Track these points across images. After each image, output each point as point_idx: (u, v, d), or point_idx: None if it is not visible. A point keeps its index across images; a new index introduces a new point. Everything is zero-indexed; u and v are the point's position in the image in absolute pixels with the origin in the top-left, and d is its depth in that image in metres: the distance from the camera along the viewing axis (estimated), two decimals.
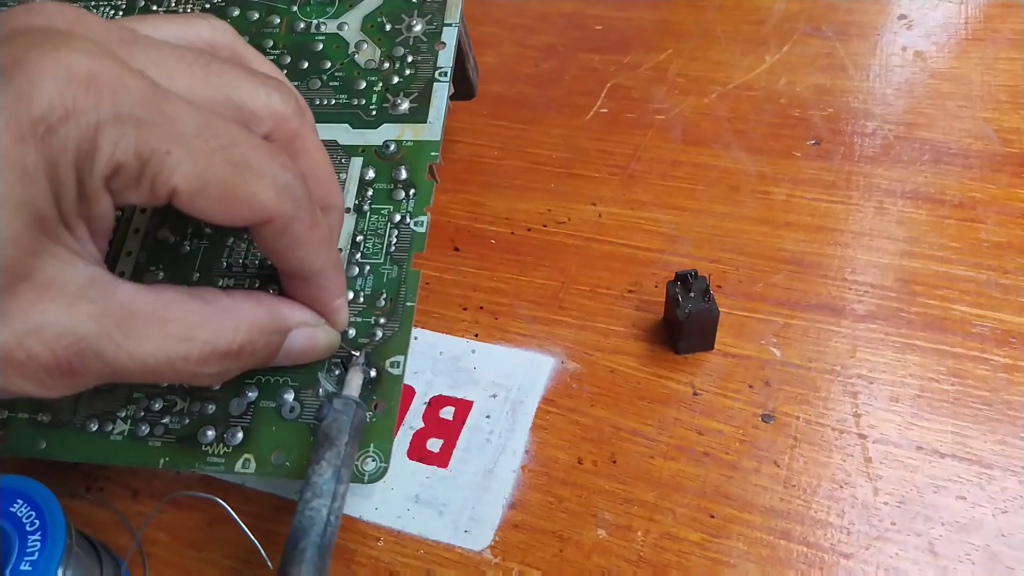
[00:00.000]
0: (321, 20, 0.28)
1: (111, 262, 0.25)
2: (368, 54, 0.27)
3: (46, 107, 0.16)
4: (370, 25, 0.27)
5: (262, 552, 0.24)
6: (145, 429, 0.23)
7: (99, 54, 0.17)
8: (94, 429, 0.23)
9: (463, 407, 0.28)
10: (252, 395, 0.23)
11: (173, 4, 0.29)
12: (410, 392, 0.28)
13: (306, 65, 0.27)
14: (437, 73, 0.26)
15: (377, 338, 0.23)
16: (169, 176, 0.17)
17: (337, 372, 0.23)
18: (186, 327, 0.19)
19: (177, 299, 0.19)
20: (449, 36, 0.27)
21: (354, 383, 0.22)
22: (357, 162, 0.25)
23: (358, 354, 0.23)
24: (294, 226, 0.20)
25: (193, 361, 0.19)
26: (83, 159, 0.16)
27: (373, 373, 0.23)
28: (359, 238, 0.25)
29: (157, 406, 0.23)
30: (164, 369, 0.18)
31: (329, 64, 0.27)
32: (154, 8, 0.29)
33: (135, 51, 0.18)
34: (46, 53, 0.16)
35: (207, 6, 0.29)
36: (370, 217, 0.25)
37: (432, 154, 0.25)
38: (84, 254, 0.18)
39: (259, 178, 0.18)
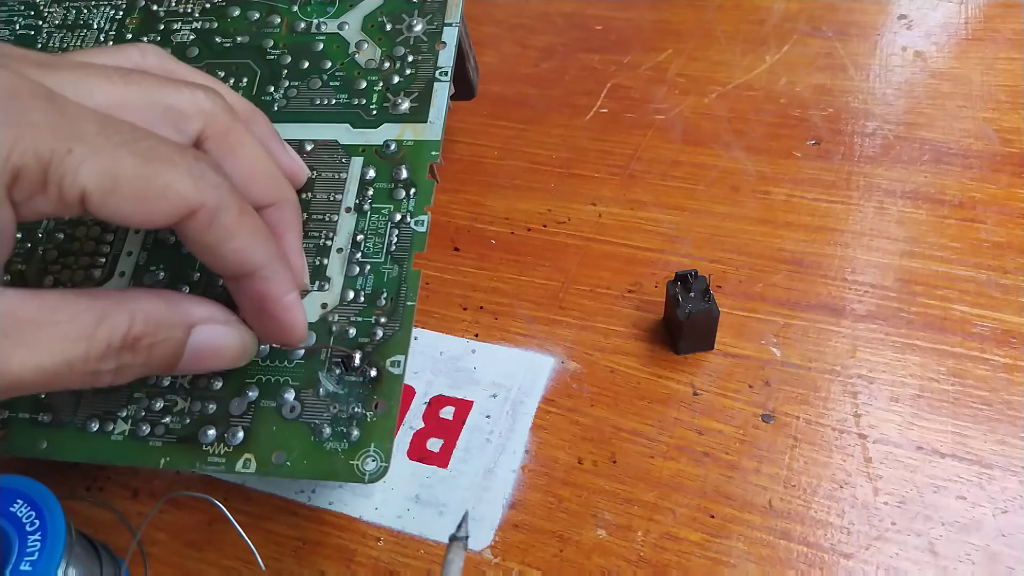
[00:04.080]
0: (322, 20, 0.28)
1: (111, 262, 0.25)
2: (368, 54, 0.27)
3: None
4: (371, 25, 0.27)
5: (255, 554, 0.24)
6: (146, 429, 0.23)
7: None
8: (95, 429, 0.23)
9: (463, 407, 0.28)
10: (252, 395, 0.23)
11: (174, 4, 0.29)
12: (410, 392, 0.28)
13: (306, 65, 0.27)
14: (437, 73, 0.26)
15: (377, 337, 0.23)
16: (75, 177, 0.16)
17: (338, 372, 0.23)
18: (78, 326, 0.18)
19: (65, 299, 0.18)
20: (449, 36, 0.27)
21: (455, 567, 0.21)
22: (358, 161, 0.25)
23: (463, 525, 0.20)
24: (221, 216, 0.19)
25: (92, 359, 0.18)
26: None
27: (373, 373, 0.23)
28: (360, 237, 0.24)
29: (158, 406, 0.23)
30: (64, 372, 0.17)
31: (330, 64, 0.27)
32: (154, 8, 0.29)
33: (48, 72, 0.18)
34: None
35: (207, 6, 0.29)
36: (371, 216, 0.25)
37: (432, 154, 0.25)
38: None
39: (172, 168, 0.18)
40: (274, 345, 0.23)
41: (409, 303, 0.24)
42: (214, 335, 0.20)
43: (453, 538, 0.20)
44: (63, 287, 0.19)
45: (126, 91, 0.19)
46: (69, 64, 0.19)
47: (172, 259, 0.25)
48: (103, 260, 0.25)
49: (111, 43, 0.29)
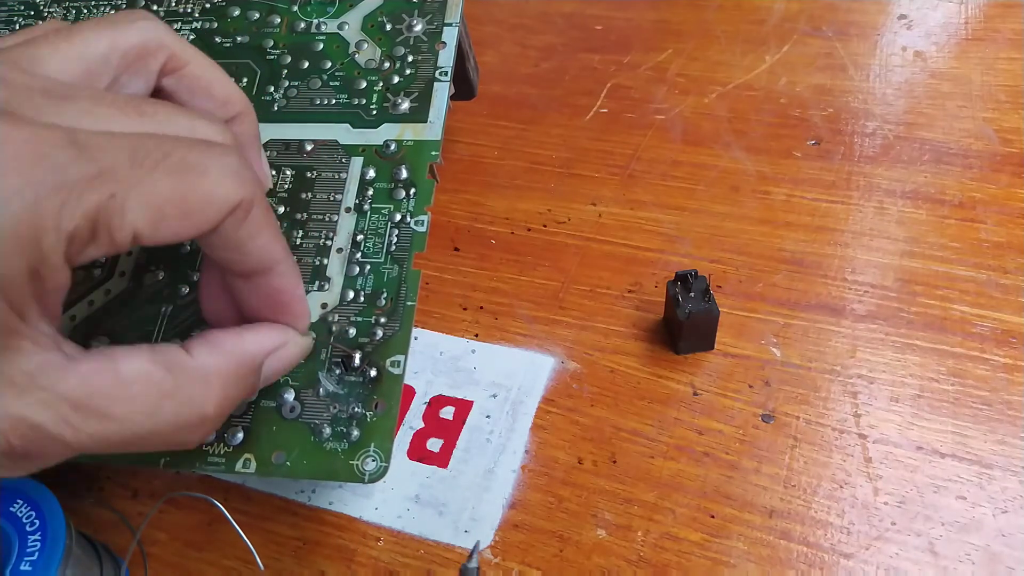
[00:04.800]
0: (321, 20, 0.28)
1: (111, 262, 0.25)
2: (368, 54, 0.27)
3: None
4: (370, 25, 0.27)
5: (254, 554, 0.24)
6: None
7: (10, 124, 0.15)
8: None
9: (463, 407, 0.28)
10: (252, 395, 0.23)
11: (174, 4, 0.29)
12: (410, 392, 0.28)
13: (306, 65, 0.27)
14: (437, 73, 0.26)
15: (377, 337, 0.23)
16: (122, 220, 0.16)
17: (338, 372, 0.23)
18: (150, 402, 0.18)
19: (141, 371, 0.18)
20: (449, 36, 0.27)
21: None
22: (358, 161, 0.25)
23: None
24: (254, 210, 0.19)
25: (164, 434, 0.18)
26: (28, 248, 0.15)
27: (373, 373, 0.23)
28: (360, 237, 0.24)
29: None
30: (132, 443, 0.18)
31: (329, 64, 0.27)
32: (154, 8, 0.29)
33: (62, 105, 0.17)
34: None
35: (207, 6, 0.29)
36: (371, 216, 0.25)
37: (432, 153, 0.25)
38: (36, 338, 0.16)
39: (205, 176, 0.18)
40: None
41: (409, 303, 0.24)
42: (279, 360, 0.21)
43: (464, 569, 0.20)
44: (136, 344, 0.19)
45: (141, 126, 0.18)
46: (82, 94, 0.18)
47: (172, 259, 0.25)
48: (103, 259, 0.25)
49: None
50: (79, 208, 0.16)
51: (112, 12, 0.29)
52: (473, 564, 0.21)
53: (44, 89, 0.17)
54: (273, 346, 0.21)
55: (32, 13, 0.30)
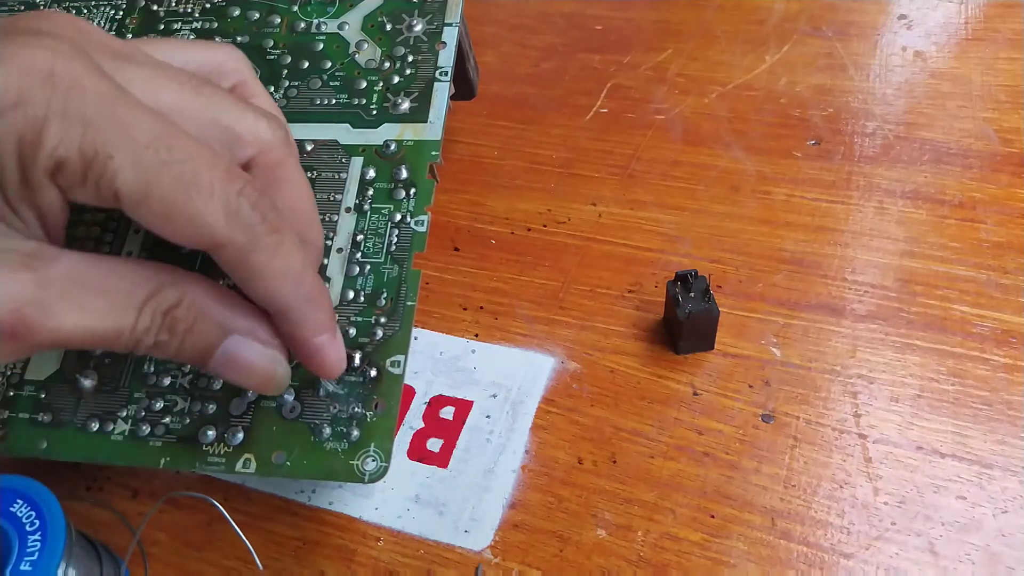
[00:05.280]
0: (322, 20, 0.28)
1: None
2: (368, 54, 0.27)
3: (1, 92, 0.16)
4: (371, 25, 0.27)
5: (253, 554, 0.24)
6: (146, 429, 0.23)
7: (69, 56, 0.17)
8: (95, 429, 0.23)
9: (463, 407, 0.28)
10: (252, 395, 0.23)
11: (174, 4, 0.29)
12: (410, 392, 0.28)
13: (306, 65, 0.27)
14: (437, 73, 0.26)
15: (377, 337, 0.23)
16: (112, 179, 0.17)
17: None
18: (135, 298, 0.18)
19: (127, 268, 0.19)
20: (449, 36, 0.27)
21: None
22: (357, 161, 0.25)
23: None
24: (250, 257, 0.19)
25: (139, 330, 0.18)
26: (26, 148, 0.17)
27: (373, 373, 0.23)
28: (359, 237, 0.24)
29: (158, 406, 0.23)
30: (110, 338, 0.18)
31: (329, 64, 0.27)
32: (154, 8, 0.29)
33: (124, 65, 0.19)
34: (20, 48, 0.17)
35: (207, 6, 0.29)
36: (370, 216, 0.25)
37: (432, 153, 0.25)
38: (28, 233, 0.18)
39: (207, 199, 0.18)
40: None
41: (409, 303, 0.24)
42: (246, 351, 0.20)
43: None
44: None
45: (194, 101, 0.19)
46: (148, 61, 0.19)
47: (172, 259, 0.25)
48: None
49: None
50: (79, 144, 0.17)
51: (115, 14, 0.29)
52: None
53: (115, 50, 0.19)
54: (251, 332, 0.20)
55: None
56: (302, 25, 0.28)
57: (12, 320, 0.17)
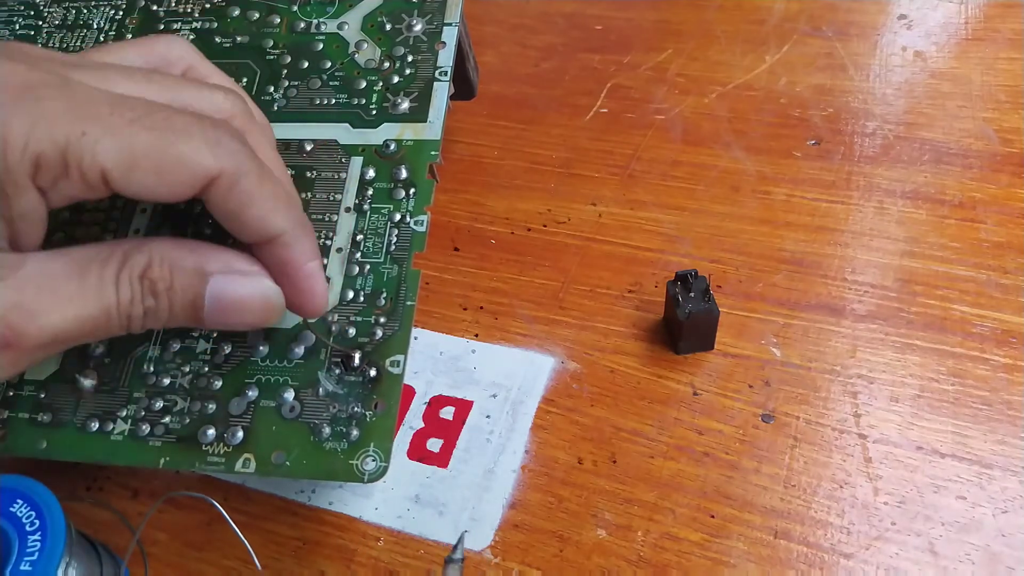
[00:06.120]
0: (321, 20, 0.28)
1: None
2: (368, 54, 0.27)
3: None
4: (370, 25, 0.27)
5: (252, 554, 0.24)
6: (145, 429, 0.23)
7: (22, 67, 0.17)
8: (94, 429, 0.23)
9: (463, 407, 0.28)
10: (252, 395, 0.23)
11: (173, 4, 0.29)
12: (410, 392, 0.28)
13: (306, 65, 0.27)
14: (437, 73, 0.26)
15: (377, 337, 0.23)
16: (93, 158, 0.17)
17: (338, 371, 0.23)
18: (108, 272, 0.19)
19: (89, 251, 0.19)
20: (449, 36, 0.27)
21: None
22: (357, 161, 0.25)
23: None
24: (241, 181, 0.19)
25: (124, 302, 0.19)
26: None
27: (373, 373, 0.23)
28: (359, 237, 0.24)
29: (157, 406, 0.23)
30: (102, 320, 0.18)
31: (329, 64, 0.27)
32: (154, 8, 0.29)
33: (74, 69, 0.19)
34: None
35: (207, 6, 0.29)
36: (370, 216, 0.25)
37: (432, 153, 0.25)
38: None
39: (188, 138, 0.18)
40: (296, 315, 0.23)
41: (409, 303, 0.24)
42: (232, 286, 0.20)
43: (449, 560, 0.20)
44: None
45: (147, 88, 0.20)
46: (93, 64, 0.20)
47: None
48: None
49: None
50: (48, 134, 0.17)
51: (115, 14, 0.29)
52: (458, 556, 0.21)
53: (62, 60, 0.19)
54: (227, 267, 0.20)
55: (32, 13, 0.30)
56: (302, 25, 0.28)
57: (0, 330, 0.17)
